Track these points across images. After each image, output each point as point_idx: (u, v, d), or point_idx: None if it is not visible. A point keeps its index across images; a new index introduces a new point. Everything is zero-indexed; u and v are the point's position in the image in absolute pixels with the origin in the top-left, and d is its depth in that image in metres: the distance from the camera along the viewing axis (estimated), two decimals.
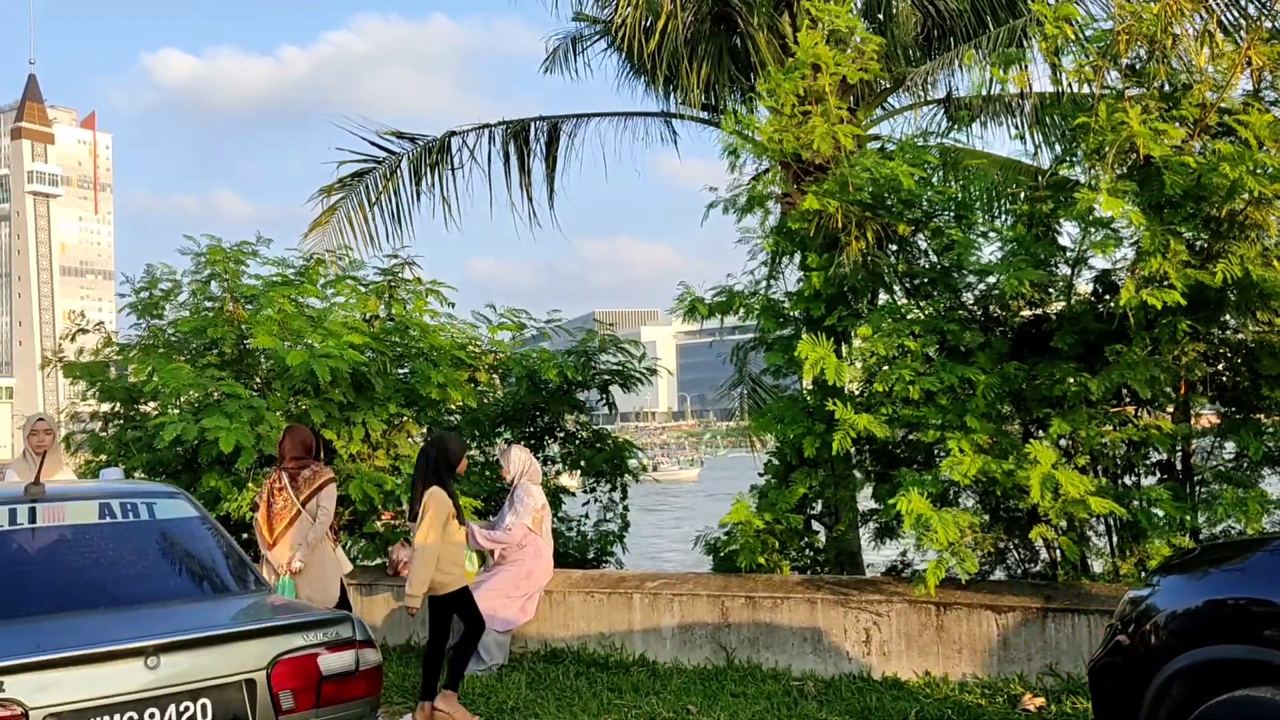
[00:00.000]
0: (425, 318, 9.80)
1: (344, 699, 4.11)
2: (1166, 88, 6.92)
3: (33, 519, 4.42)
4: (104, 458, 10.73)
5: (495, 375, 9.81)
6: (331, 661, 4.09)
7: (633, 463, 10.49)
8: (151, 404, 10.50)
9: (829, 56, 8.20)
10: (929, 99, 12.47)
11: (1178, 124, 6.74)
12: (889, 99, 12.92)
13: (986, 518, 8.15)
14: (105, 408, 11.05)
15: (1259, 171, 6.06)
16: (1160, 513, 6.92)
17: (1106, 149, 6.71)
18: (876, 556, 9.25)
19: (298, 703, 3.98)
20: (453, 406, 9.71)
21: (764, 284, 9.05)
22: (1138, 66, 7.09)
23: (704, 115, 12.95)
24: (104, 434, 11.07)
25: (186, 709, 3.75)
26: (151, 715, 3.68)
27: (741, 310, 8.73)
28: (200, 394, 9.05)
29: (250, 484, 9.11)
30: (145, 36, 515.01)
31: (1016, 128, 12.36)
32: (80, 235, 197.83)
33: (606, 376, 10.19)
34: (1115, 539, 7.51)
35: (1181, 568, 4.21)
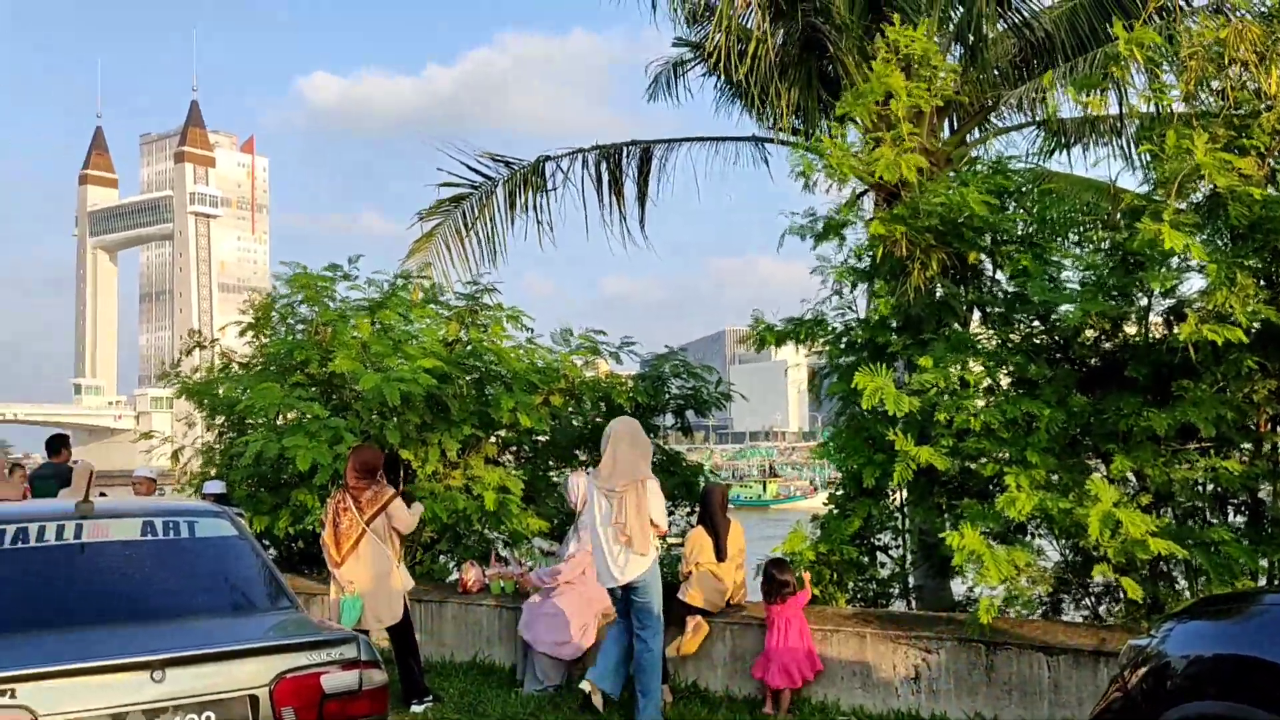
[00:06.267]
0: (504, 343, 10.03)
1: (346, 717, 4.29)
2: (1237, 114, 6.64)
3: (78, 534, 4.74)
4: (212, 471, 11.36)
5: (571, 399, 9.96)
6: (335, 681, 4.27)
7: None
8: (260, 420, 11.04)
9: (901, 85, 8.10)
10: (1028, 121, 12.24)
11: (1250, 153, 6.46)
12: (990, 118, 12.70)
13: (1070, 554, 7.94)
14: (219, 421, 11.65)
15: None
16: (1237, 555, 6.62)
17: (1172, 178, 6.49)
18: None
19: (300, 719, 4.17)
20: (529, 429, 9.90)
21: (837, 312, 8.96)
22: (1211, 92, 6.85)
23: (793, 139, 12.90)
24: (217, 445, 11.71)
25: None
26: None
27: (808, 339, 8.69)
28: (290, 412, 9.48)
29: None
30: (298, 60, 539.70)
31: (1121, 150, 11.99)
32: (238, 254, 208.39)
33: (680, 400, 10.26)
34: (1194, 581, 7.22)
35: (1184, 618, 4.05)
